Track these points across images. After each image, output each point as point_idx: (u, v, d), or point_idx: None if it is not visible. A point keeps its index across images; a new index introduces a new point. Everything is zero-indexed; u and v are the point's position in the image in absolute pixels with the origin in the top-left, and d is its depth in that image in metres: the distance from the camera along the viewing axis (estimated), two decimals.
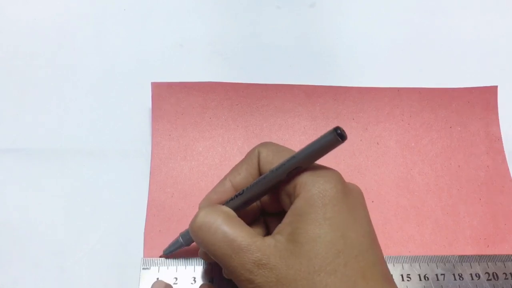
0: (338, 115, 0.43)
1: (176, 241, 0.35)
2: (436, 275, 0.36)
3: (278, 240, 0.26)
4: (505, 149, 0.42)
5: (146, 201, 0.38)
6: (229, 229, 0.27)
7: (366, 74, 0.45)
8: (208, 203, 0.32)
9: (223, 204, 0.31)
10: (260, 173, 0.31)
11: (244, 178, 0.31)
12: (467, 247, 0.38)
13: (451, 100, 0.43)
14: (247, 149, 0.41)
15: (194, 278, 0.35)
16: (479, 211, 0.40)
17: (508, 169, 0.42)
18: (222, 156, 0.41)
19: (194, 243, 0.34)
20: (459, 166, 0.42)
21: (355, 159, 0.41)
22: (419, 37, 0.49)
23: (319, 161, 0.28)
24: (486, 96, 0.43)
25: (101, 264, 0.36)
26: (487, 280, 0.36)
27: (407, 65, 0.47)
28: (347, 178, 0.42)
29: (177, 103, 0.41)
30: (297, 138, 0.42)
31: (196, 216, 0.29)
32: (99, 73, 0.45)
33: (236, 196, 0.30)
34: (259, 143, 0.41)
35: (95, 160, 0.40)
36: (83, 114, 0.43)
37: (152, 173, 0.39)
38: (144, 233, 0.37)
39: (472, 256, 0.37)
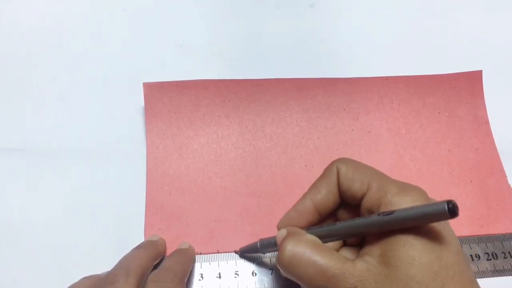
0: (329, 106, 0.43)
1: (253, 245, 0.35)
2: None
3: (370, 262, 0.26)
4: (492, 132, 0.43)
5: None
6: (320, 259, 0.26)
7: (366, 74, 0.45)
8: (288, 222, 0.31)
9: (307, 229, 0.31)
10: (339, 190, 0.30)
11: (325, 196, 0.31)
12: (462, 229, 0.39)
13: (438, 86, 0.44)
14: (241, 145, 0.41)
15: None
16: (471, 193, 0.41)
17: (496, 150, 0.43)
18: (217, 152, 0.41)
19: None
20: (449, 150, 0.42)
21: (347, 148, 0.42)
22: (419, 37, 0.50)
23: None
24: (472, 81, 0.45)
25: (102, 264, 0.36)
26: (487, 260, 0.37)
27: (406, 65, 0.47)
28: None
29: (170, 102, 0.42)
30: (290, 131, 0.42)
31: (283, 249, 0.28)
32: (98, 73, 0.45)
33: (323, 226, 0.30)
34: (252, 138, 0.42)
35: (95, 160, 0.41)
36: (83, 114, 0.43)
37: (148, 173, 0.40)
38: (144, 231, 0.37)
39: (471, 237, 0.38)
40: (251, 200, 0.39)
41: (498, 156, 0.42)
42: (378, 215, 0.26)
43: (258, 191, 0.40)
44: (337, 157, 0.41)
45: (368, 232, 0.28)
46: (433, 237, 0.26)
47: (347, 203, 0.31)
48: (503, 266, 0.37)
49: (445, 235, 0.26)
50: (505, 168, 0.42)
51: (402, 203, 0.26)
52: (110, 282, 0.28)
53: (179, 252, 0.35)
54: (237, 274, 0.36)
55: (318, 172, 0.41)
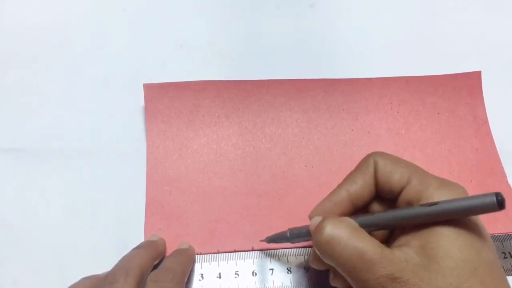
0: (328, 106, 0.43)
1: (282, 234, 0.34)
2: None
3: (408, 253, 0.26)
4: (492, 132, 0.43)
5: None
6: (359, 242, 0.26)
7: (365, 74, 0.45)
8: (321, 212, 0.31)
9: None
10: (376, 183, 0.30)
11: (361, 187, 0.30)
12: None
13: (437, 87, 0.44)
14: (241, 145, 0.41)
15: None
16: (471, 193, 0.40)
17: (496, 150, 0.43)
18: (217, 153, 0.41)
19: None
20: (449, 150, 0.42)
21: (347, 148, 0.42)
22: (419, 37, 0.50)
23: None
24: (471, 81, 0.45)
25: (102, 264, 0.36)
26: None
27: (406, 65, 0.47)
28: (341, 168, 0.43)
29: (170, 103, 0.42)
30: (289, 131, 0.42)
31: (321, 229, 0.27)
32: (98, 74, 0.45)
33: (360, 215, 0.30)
34: (252, 138, 0.42)
35: (95, 160, 0.41)
36: (83, 114, 0.43)
37: (148, 173, 0.40)
38: (144, 232, 0.37)
39: None
40: (251, 200, 0.39)
41: (498, 156, 0.43)
42: (421, 206, 0.26)
43: (258, 191, 0.40)
44: (337, 158, 0.42)
45: (409, 223, 0.28)
46: (474, 232, 0.26)
47: (382, 196, 0.31)
48: (503, 266, 0.37)
49: (483, 231, 0.26)
50: (505, 168, 0.42)
51: (443, 197, 0.26)
52: (110, 282, 0.29)
53: (179, 252, 0.35)
54: (237, 274, 0.36)
55: (318, 172, 0.41)
